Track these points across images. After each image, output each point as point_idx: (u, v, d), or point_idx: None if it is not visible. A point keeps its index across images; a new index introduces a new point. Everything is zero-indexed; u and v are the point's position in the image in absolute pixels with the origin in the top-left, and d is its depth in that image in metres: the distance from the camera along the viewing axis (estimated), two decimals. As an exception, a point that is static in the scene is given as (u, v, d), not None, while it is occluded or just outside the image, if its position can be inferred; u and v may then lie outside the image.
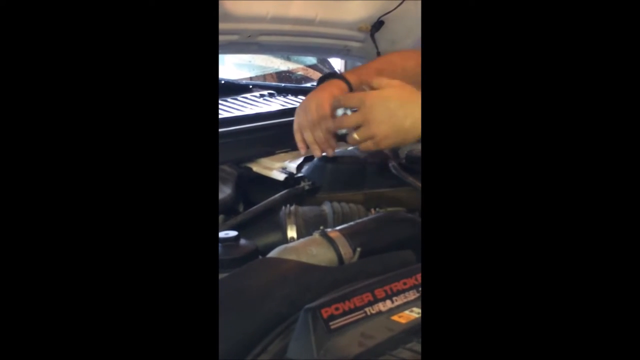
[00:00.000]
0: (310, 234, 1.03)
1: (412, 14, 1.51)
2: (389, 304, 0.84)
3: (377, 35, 1.57)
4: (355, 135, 1.14)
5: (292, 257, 0.95)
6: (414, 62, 1.40)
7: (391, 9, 1.51)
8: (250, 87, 1.73)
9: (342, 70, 2.15)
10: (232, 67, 2.07)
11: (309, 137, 1.27)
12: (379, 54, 1.59)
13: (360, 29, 1.57)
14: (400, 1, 1.49)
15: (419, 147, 1.40)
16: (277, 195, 1.19)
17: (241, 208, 1.28)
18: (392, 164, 1.25)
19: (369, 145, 1.14)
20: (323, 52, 1.80)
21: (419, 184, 1.20)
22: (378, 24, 1.55)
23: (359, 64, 1.81)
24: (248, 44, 1.49)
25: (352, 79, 1.32)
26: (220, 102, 1.59)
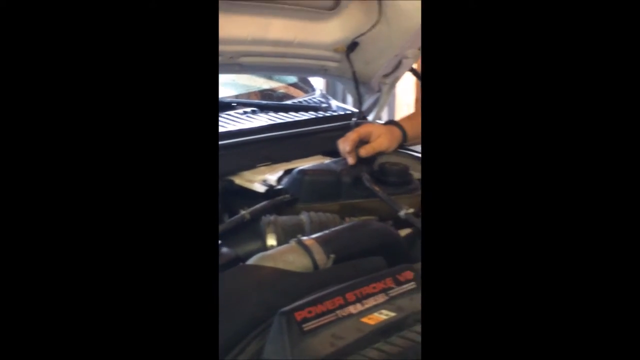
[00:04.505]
0: (289, 242, 1.03)
1: (383, 36, 1.51)
2: (359, 306, 0.84)
3: (352, 55, 1.58)
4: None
5: (270, 264, 0.96)
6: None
7: (364, 31, 1.51)
8: (234, 104, 1.73)
9: (324, 89, 2.17)
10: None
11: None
12: (354, 73, 1.61)
13: (336, 50, 1.57)
14: (373, 24, 1.50)
15: (391, 159, 1.42)
16: (258, 205, 1.20)
17: (226, 218, 1.28)
18: (365, 177, 1.27)
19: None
20: (302, 71, 1.80)
21: (387, 195, 1.23)
22: (353, 45, 1.56)
23: (343, 84, 1.83)
24: (230, 65, 1.50)
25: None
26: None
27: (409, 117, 1.55)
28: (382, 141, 1.38)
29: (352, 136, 1.35)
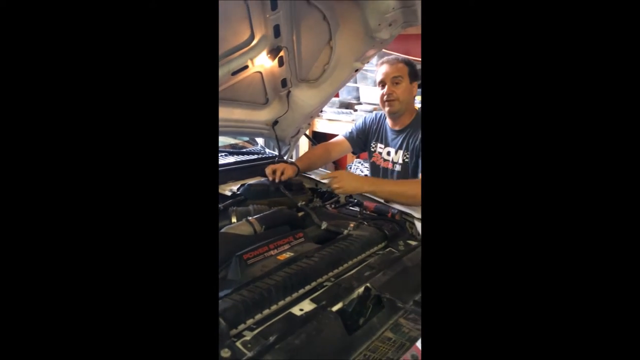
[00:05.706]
0: (242, 220, 1.00)
1: (290, 117, 1.51)
2: (275, 251, 0.84)
3: (275, 127, 1.56)
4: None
5: (232, 231, 0.93)
6: (320, 150, 1.52)
7: (281, 115, 1.50)
8: (216, 151, 1.68)
9: (262, 143, 2.13)
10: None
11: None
12: (276, 136, 1.59)
13: (267, 124, 1.55)
14: (285, 111, 1.49)
15: (294, 179, 1.41)
16: (227, 202, 1.17)
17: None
18: (281, 187, 1.26)
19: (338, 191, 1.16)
20: (251, 134, 1.74)
21: (292, 196, 1.21)
22: (275, 122, 1.54)
23: (271, 141, 1.80)
24: (213, 131, 1.45)
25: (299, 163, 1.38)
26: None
27: (300, 159, 1.51)
28: (286, 171, 1.34)
29: (270, 168, 1.32)
